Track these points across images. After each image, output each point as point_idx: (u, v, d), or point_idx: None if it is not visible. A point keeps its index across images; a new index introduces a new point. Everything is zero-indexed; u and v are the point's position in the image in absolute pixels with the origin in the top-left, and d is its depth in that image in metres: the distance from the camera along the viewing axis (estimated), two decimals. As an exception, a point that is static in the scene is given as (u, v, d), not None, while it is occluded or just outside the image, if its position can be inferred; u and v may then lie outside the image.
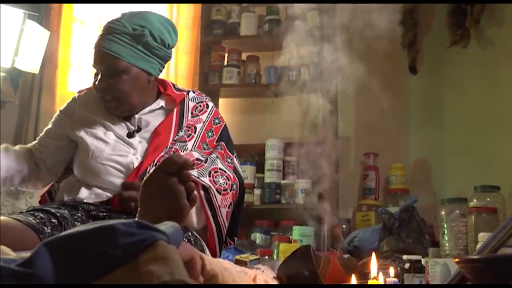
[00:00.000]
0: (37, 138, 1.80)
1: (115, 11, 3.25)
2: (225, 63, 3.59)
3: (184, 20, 3.44)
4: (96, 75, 1.64)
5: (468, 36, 2.95)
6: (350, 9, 2.81)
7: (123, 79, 1.59)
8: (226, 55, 3.62)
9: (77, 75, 3.16)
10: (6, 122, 2.93)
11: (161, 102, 1.71)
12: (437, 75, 3.21)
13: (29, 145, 1.81)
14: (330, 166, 3.11)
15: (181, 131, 1.67)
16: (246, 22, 3.56)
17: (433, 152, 3.19)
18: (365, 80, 3.20)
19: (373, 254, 1.28)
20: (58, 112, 1.78)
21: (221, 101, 3.65)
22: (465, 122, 3.02)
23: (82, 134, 1.67)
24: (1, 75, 2.84)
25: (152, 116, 1.70)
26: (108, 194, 1.58)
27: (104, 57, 1.58)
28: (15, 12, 2.85)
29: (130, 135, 1.66)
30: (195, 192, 1.12)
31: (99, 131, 1.66)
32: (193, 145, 1.66)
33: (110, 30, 1.59)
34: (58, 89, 3.05)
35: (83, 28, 3.22)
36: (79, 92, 1.79)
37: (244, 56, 3.62)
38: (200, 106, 1.75)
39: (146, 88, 1.67)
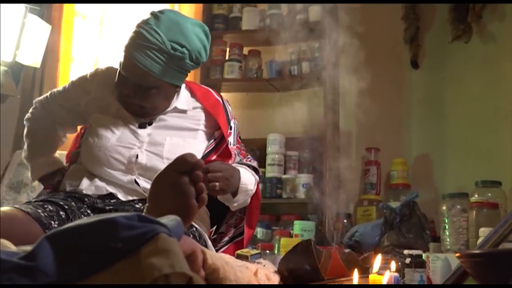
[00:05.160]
0: (45, 103, 1.79)
1: (117, 6, 3.26)
2: (227, 58, 3.58)
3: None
4: (122, 77, 1.58)
5: (470, 31, 2.94)
6: (351, 6, 2.81)
7: (152, 93, 1.58)
8: (228, 49, 3.61)
9: (79, 70, 3.16)
10: (7, 117, 2.93)
11: (175, 104, 1.70)
12: (439, 70, 3.20)
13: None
14: (331, 160, 3.11)
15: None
16: (248, 17, 3.55)
17: (434, 147, 3.19)
18: (366, 75, 3.20)
19: (379, 255, 1.27)
20: (73, 85, 1.74)
21: (223, 95, 3.63)
22: (466, 117, 3.01)
23: (93, 116, 1.67)
24: (2, 69, 2.84)
25: (167, 116, 1.70)
26: (108, 189, 1.58)
27: (136, 70, 1.53)
28: (16, 6, 2.84)
29: (142, 125, 1.65)
30: (205, 194, 1.13)
31: (109, 117, 1.64)
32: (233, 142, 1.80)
33: (147, 43, 1.51)
34: (59, 84, 3.04)
35: (85, 22, 3.22)
36: (100, 70, 1.75)
37: (245, 50, 3.61)
38: (231, 112, 1.87)
39: (172, 97, 1.67)
